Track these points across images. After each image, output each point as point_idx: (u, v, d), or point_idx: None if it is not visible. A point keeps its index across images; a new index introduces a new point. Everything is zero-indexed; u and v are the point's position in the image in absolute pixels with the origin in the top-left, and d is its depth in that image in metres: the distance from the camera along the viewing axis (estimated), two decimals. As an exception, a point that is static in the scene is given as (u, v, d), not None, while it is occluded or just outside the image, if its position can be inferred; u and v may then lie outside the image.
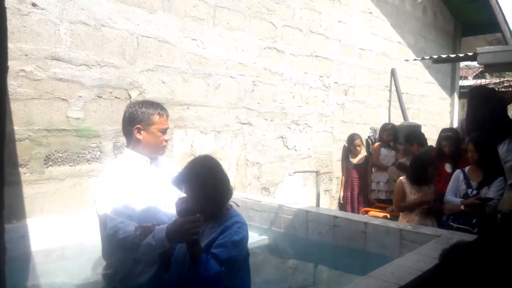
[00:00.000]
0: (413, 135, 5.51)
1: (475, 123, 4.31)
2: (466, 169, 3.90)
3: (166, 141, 2.26)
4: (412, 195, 3.88)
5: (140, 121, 2.17)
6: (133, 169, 2.15)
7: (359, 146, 6.05)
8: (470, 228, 3.52)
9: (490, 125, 4.02)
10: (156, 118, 2.19)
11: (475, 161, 3.78)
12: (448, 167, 4.39)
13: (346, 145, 6.19)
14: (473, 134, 4.24)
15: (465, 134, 4.73)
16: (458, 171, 3.94)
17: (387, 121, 7.15)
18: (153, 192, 2.16)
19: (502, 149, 4.01)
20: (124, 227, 1.93)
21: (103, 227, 2.08)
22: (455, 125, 8.92)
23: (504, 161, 3.93)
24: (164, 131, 2.24)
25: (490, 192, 3.66)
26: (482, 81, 12.67)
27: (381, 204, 5.54)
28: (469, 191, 3.75)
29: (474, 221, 3.61)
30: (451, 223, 3.67)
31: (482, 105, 4.32)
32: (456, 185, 3.86)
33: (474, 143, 3.80)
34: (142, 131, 2.17)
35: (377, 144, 6.20)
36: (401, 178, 4.08)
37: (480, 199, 3.62)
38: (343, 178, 6.20)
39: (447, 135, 4.52)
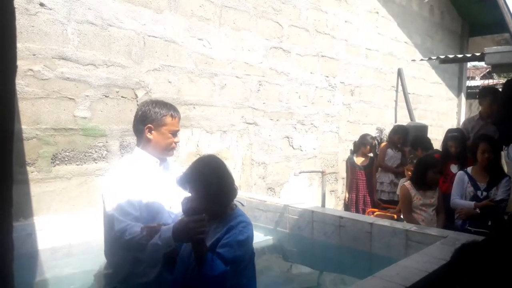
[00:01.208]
0: (418, 140, 5.47)
1: (498, 120, 4.23)
2: (469, 170, 3.84)
3: (175, 143, 2.27)
4: (417, 199, 3.84)
5: (152, 121, 2.17)
6: (143, 169, 2.16)
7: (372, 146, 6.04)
8: (488, 231, 3.45)
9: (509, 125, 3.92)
10: (168, 119, 2.20)
11: (490, 162, 3.69)
12: (453, 168, 4.36)
13: (357, 145, 6.11)
14: (482, 134, 4.20)
15: (468, 134, 4.70)
16: (461, 172, 3.88)
17: (394, 122, 7.12)
18: (161, 194, 2.17)
19: (505, 151, 3.98)
20: (130, 228, 1.93)
21: (108, 226, 2.08)
22: (462, 125, 8.86)
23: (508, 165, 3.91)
24: (174, 133, 2.24)
25: (499, 192, 3.63)
26: (490, 82, 12.58)
27: (387, 205, 5.52)
28: (479, 193, 3.70)
29: (489, 223, 3.56)
30: (468, 228, 3.59)
31: (507, 102, 4.23)
32: (462, 187, 3.80)
33: (490, 143, 3.72)
34: (153, 131, 2.18)
35: (384, 144, 6.16)
36: (405, 183, 4.06)
37: (494, 201, 3.58)
38: (348, 179, 6.15)
39: (453, 135, 4.49)
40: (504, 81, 5.62)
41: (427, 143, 5.37)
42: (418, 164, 4.01)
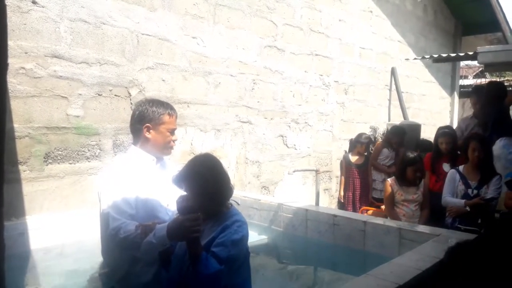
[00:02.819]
0: (424, 144, 5.59)
1: (483, 119, 4.34)
2: (461, 168, 3.87)
3: (173, 141, 2.27)
4: (399, 195, 4.00)
5: (150, 120, 2.18)
6: (139, 168, 2.16)
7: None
8: (478, 229, 3.49)
9: (494, 125, 4.01)
10: (166, 118, 2.21)
11: (480, 160, 3.73)
12: (446, 167, 4.38)
13: (353, 143, 6.10)
14: (474, 132, 4.25)
15: (462, 133, 4.75)
16: (452, 171, 3.91)
17: (388, 121, 7.15)
18: (157, 192, 2.17)
19: (497, 144, 4.03)
20: (125, 227, 1.94)
21: (104, 225, 2.08)
22: (455, 124, 8.91)
23: (498, 157, 3.95)
24: (172, 131, 2.25)
25: (490, 191, 3.65)
26: (483, 81, 12.67)
27: (380, 203, 5.54)
28: (469, 191, 3.73)
29: (479, 221, 3.60)
30: (458, 226, 3.62)
31: (492, 102, 4.32)
32: (453, 185, 3.83)
33: (480, 142, 3.76)
34: (151, 130, 2.19)
35: (378, 143, 6.15)
36: (388, 179, 4.21)
37: (484, 199, 3.61)
38: (343, 178, 6.13)
39: (444, 131, 4.52)
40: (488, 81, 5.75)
41: (428, 147, 5.42)
42: (400, 161, 4.22)
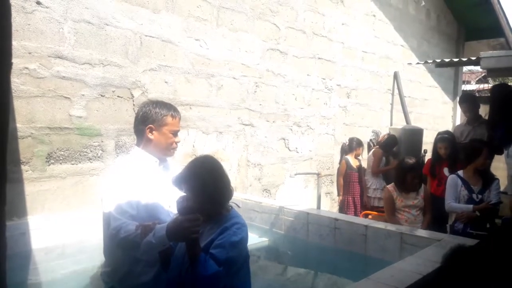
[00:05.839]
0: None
1: (492, 124, 4.29)
2: (461, 173, 3.86)
3: (176, 143, 2.28)
4: (399, 201, 3.99)
5: (153, 121, 2.19)
6: (142, 169, 2.16)
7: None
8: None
9: (504, 131, 3.97)
10: (169, 119, 2.22)
11: (486, 166, 3.75)
12: (447, 171, 4.38)
13: (353, 147, 6.10)
14: (481, 140, 4.22)
15: (458, 140, 4.74)
16: (453, 176, 3.90)
17: (390, 125, 7.14)
18: (160, 194, 2.17)
19: (505, 151, 4.01)
20: (126, 226, 1.94)
21: (106, 225, 2.08)
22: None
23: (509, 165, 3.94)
24: (175, 133, 2.26)
25: (492, 195, 3.66)
26: (485, 86, 12.66)
27: (381, 208, 5.53)
28: (474, 196, 3.72)
29: (488, 226, 3.59)
30: (470, 231, 3.59)
31: (501, 108, 4.26)
32: (456, 191, 3.81)
33: (490, 149, 3.78)
34: (154, 131, 2.19)
35: (378, 151, 6.12)
36: (388, 186, 4.20)
37: (490, 204, 3.61)
38: (342, 182, 6.08)
39: (442, 137, 4.54)
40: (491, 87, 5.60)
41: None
42: (398, 168, 4.18)
